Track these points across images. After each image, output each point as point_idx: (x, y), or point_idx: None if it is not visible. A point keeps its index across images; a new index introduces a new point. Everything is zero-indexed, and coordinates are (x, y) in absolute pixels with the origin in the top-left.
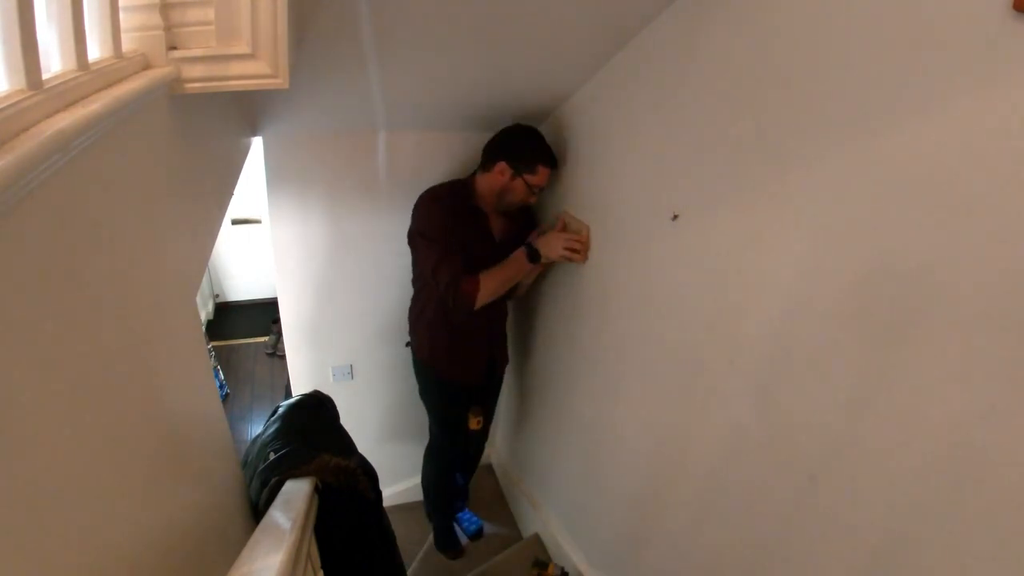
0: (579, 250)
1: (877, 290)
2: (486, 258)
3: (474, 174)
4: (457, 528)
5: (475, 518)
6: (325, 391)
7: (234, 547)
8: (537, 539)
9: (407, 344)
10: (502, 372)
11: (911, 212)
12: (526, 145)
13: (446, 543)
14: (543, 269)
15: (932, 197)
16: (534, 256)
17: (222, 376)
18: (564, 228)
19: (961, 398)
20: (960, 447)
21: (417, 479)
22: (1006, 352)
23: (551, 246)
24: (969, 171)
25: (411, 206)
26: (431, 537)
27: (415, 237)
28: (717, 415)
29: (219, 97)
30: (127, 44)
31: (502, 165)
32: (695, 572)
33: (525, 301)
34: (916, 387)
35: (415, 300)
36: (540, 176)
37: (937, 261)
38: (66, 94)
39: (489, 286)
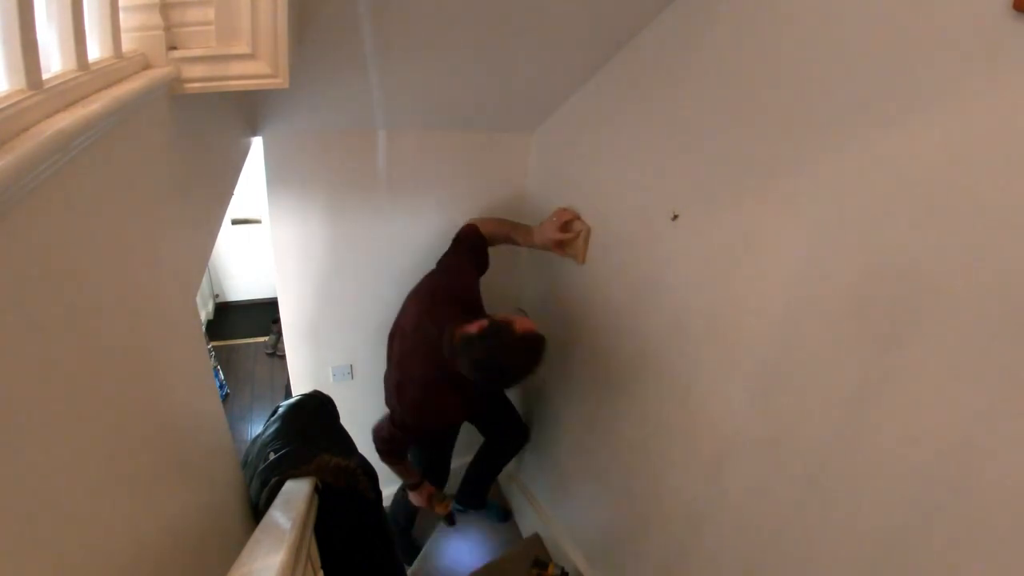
0: (572, 232)
1: (877, 290)
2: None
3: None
4: (489, 518)
5: (496, 505)
6: (325, 391)
7: (234, 547)
8: (537, 539)
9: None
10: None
11: (911, 212)
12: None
13: (407, 555)
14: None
15: (932, 197)
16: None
17: (222, 376)
18: (565, 223)
19: (961, 398)
20: (960, 447)
21: None
22: (1006, 352)
23: (544, 234)
24: (969, 171)
25: (411, 205)
26: (431, 537)
27: (403, 407)
28: (717, 415)
29: (219, 97)
30: (127, 44)
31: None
32: (695, 572)
33: (526, 301)
34: (916, 387)
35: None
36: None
37: (937, 261)
38: (66, 94)
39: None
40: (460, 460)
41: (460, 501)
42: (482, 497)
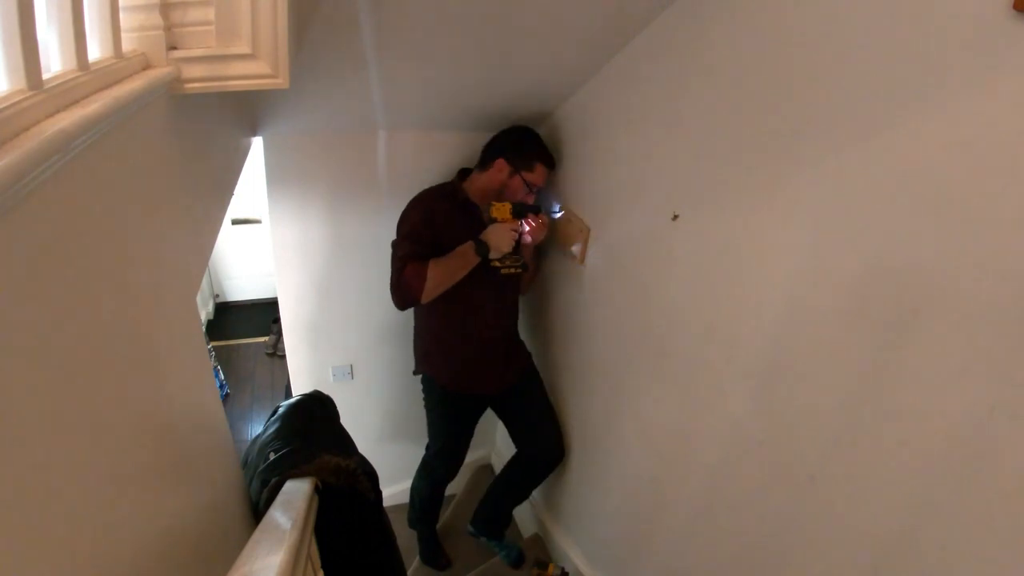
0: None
1: (877, 289)
2: None
3: (462, 176)
4: (500, 555)
5: (517, 548)
6: (325, 391)
7: (234, 547)
8: (537, 539)
9: (414, 372)
10: (523, 369)
11: (911, 212)
12: (525, 143)
13: (431, 556)
14: (520, 272)
15: (932, 197)
16: (481, 248)
17: (222, 376)
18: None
19: (961, 397)
20: (960, 446)
21: None
22: (1006, 351)
23: (499, 238)
24: (969, 170)
25: None
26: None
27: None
28: (717, 415)
29: (219, 97)
30: (127, 44)
31: (501, 162)
32: (695, 572)
33: (527, 302)
34: (916, 386)
35: (418, 327)
36: (538, 174)
37: (937, 260)
38: (66, 94)
39: (435, 275)
40: (474, 454)
41: (474, 523)
42: (499, 525)
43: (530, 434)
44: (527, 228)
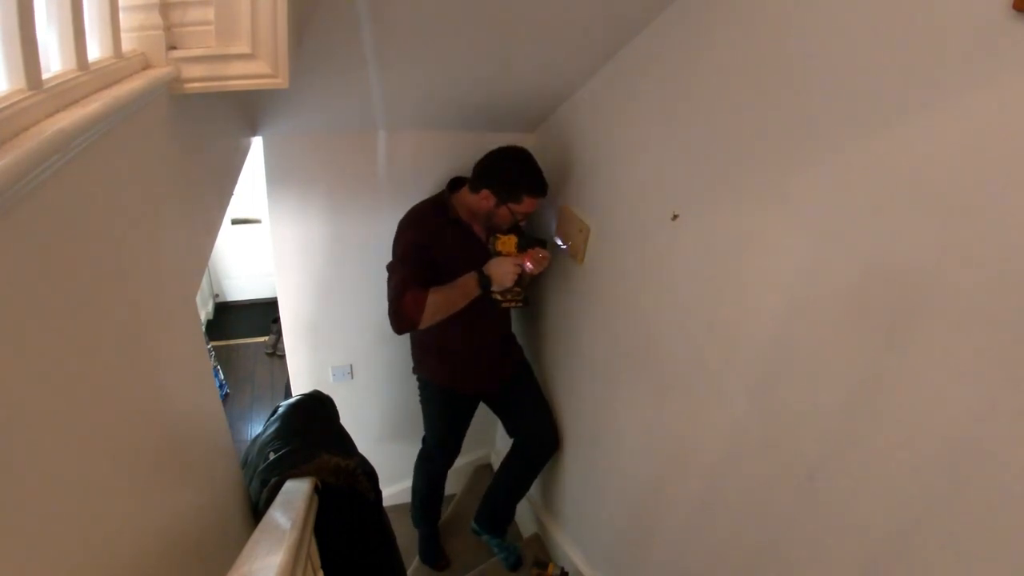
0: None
1: (877, 290)
2: (479, 264)
3: (454, 188)
4: (499, 555)
5: (516, 548)
6: (325, 391)
7: (234, 547)
8: (537, 539)
9: (414, 371)
10: (517, 366)
11: (911, 212)
12: (512, 173)
13: (431, 557)
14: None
15: (932, 197)
16: (484, 282)
17: (222, 376)
18: (564, 220)
19: (961, 398)
20: (960, 446)
21: None
22: (1006, 351)
23: (503, 273)
24: (969, 171)
25: (410, 205)
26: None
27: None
28: (717, 415)
29: (219, 97)
30: (127, 44)
31: (486, 192)
32: (695, 571)
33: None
34: (916, 387)
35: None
36: (526, 205)
37: (937, 261)
38: (66, 94)
39: (436, 303)
40: (474, 454)
41: (477, 521)
42: (502, 522)
43: (523, 422)
44: (530, 267)
